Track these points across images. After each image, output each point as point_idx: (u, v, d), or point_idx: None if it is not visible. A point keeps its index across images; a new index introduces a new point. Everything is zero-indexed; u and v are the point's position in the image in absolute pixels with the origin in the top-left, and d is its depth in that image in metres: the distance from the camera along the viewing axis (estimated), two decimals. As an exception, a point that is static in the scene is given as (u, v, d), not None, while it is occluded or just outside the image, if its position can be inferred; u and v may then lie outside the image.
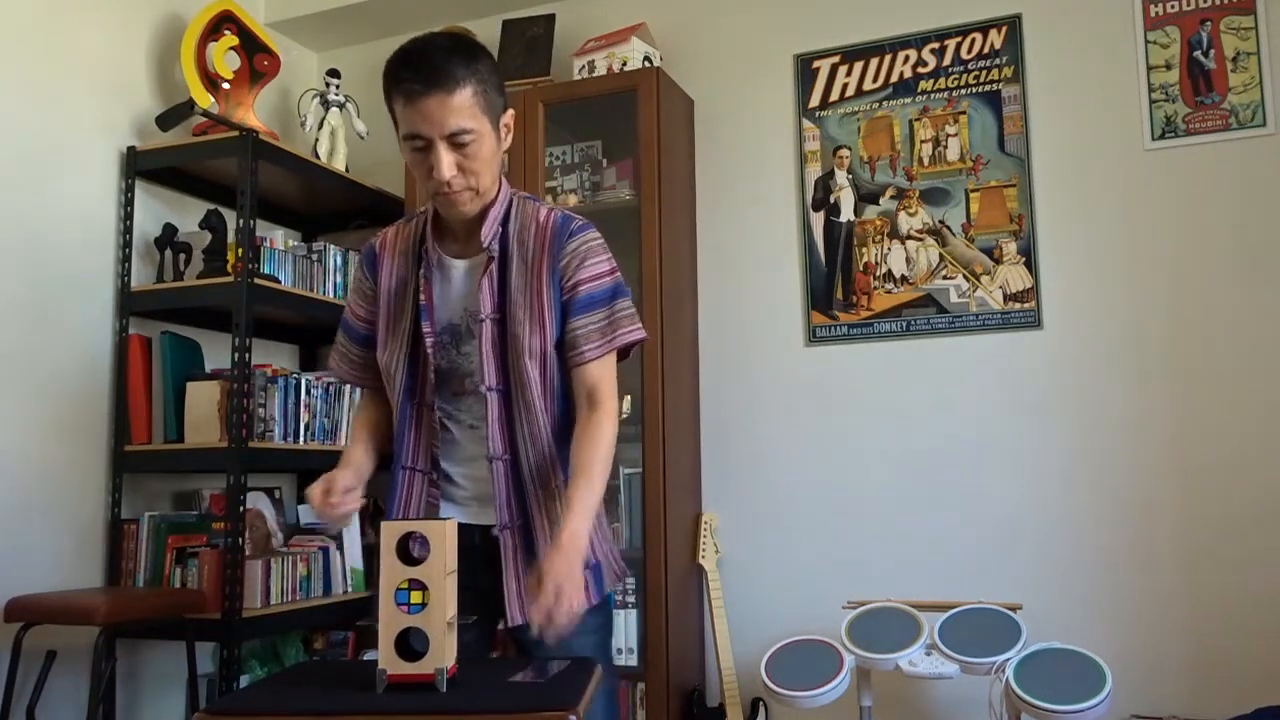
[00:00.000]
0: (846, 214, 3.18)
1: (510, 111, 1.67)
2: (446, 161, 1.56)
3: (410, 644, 1.30)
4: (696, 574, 3.13)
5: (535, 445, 1.65)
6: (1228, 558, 2.71)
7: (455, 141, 1.56)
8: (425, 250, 1.69)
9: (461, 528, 1.65)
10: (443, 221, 1.70)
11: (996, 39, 3.06)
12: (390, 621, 1.28)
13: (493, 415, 1.65)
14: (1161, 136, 2.87)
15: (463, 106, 1.54)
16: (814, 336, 3.17)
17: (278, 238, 3.19)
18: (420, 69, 1.53)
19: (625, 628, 2.94)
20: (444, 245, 1.71)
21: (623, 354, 1.71)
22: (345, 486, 1.61)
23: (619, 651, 2.93)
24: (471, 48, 1.57)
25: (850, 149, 3.19)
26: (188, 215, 3.27)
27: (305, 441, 3.15)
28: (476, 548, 1.67)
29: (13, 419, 2.76)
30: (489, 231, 1.65)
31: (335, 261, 3.35)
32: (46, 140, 2.91)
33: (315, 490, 1.59)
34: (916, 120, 3.12)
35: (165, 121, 3.08)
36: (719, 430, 3.23)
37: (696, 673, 3.10)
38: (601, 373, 1.65)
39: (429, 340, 1.67)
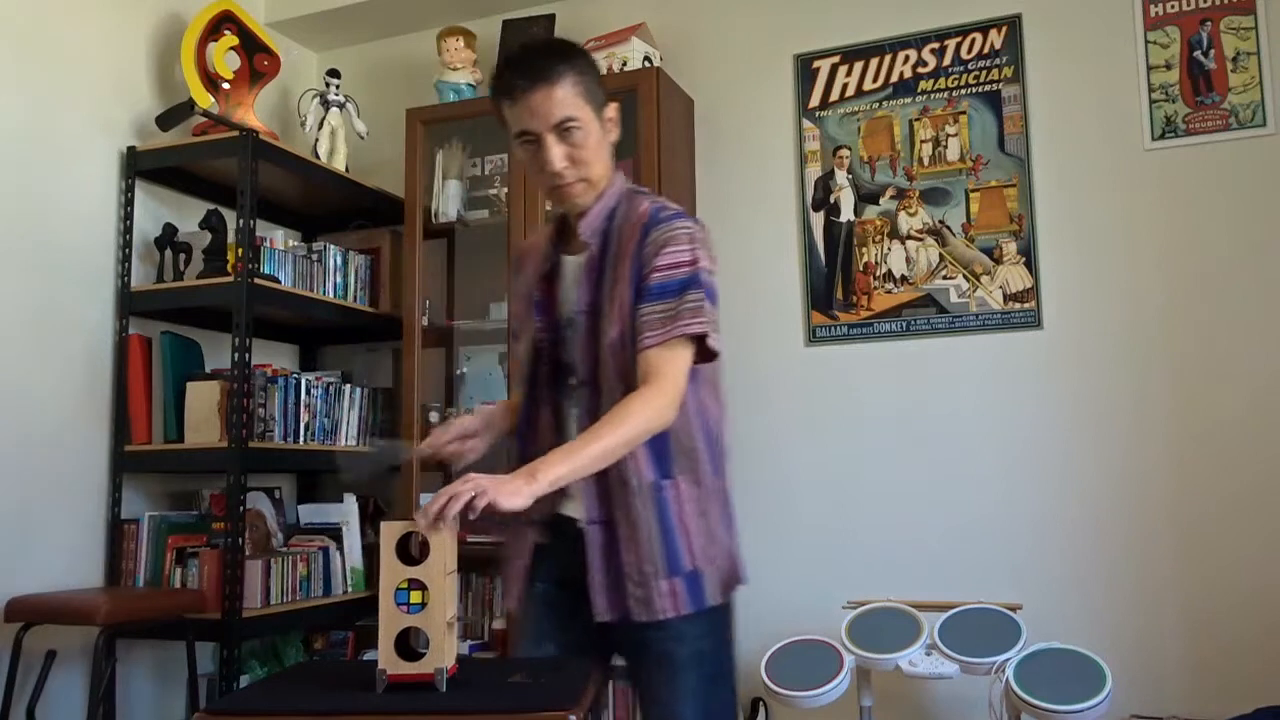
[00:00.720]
0: (846, 214, 3.18)
1: (614, 105, 1.72)
2: (557, 153, 1.62)
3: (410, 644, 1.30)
4: (696, 574, 3.13)
5: None
6: (1228, 557, 2.71)
7: (562, 131, 1.61)
8: (548, 250, 1.76)
9: (564, 519, 1.69)
10: (566, 220, 1.75)
11: (996, 39, 3.06)
12: (390, 621, 1.28)
13: (583, 408, 1.67)
14: (1161, 136, 2.87)
15: (565, 97, 1.60)
16: (814, 336, 3.17)
17: (278, 238, 3.19)
18: (522, 68, 1.61)
19: (625, 628, 2.93)
20: (564, 244, 1.75)
21: (708, 356, 1.63)
22: (462, 431, 1.73)
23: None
24: (567, 45, 1.67)
25: (850, 149, 3.19)
26: (188, 215, 3.27)
27: (305, 441, 3.15)
28: (572, 540, 1.67)
29: (13, 419, 2.76)
30: (588, 226, 1.68)
31: (335, 261, 3.35)
32: (46, 140, 2.91)
33: (435, 432, 1.71)
34: (916, 120, 3.12)
35: (165, 121, 3.08)
36: (719, 430, 3.23)
37: (696, 673, 3.09)
38: (657, 360, 1.58)
39: (539, 335, 1.72)
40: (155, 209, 3.21)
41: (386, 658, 1.28)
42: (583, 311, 1.67)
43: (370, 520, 3.46)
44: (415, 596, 1.30)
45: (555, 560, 1.71)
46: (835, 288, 3.16)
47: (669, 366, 1.58)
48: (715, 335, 1.62)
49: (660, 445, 1.63)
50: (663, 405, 1.55)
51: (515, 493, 1.41)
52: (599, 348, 1.64)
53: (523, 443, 1.74)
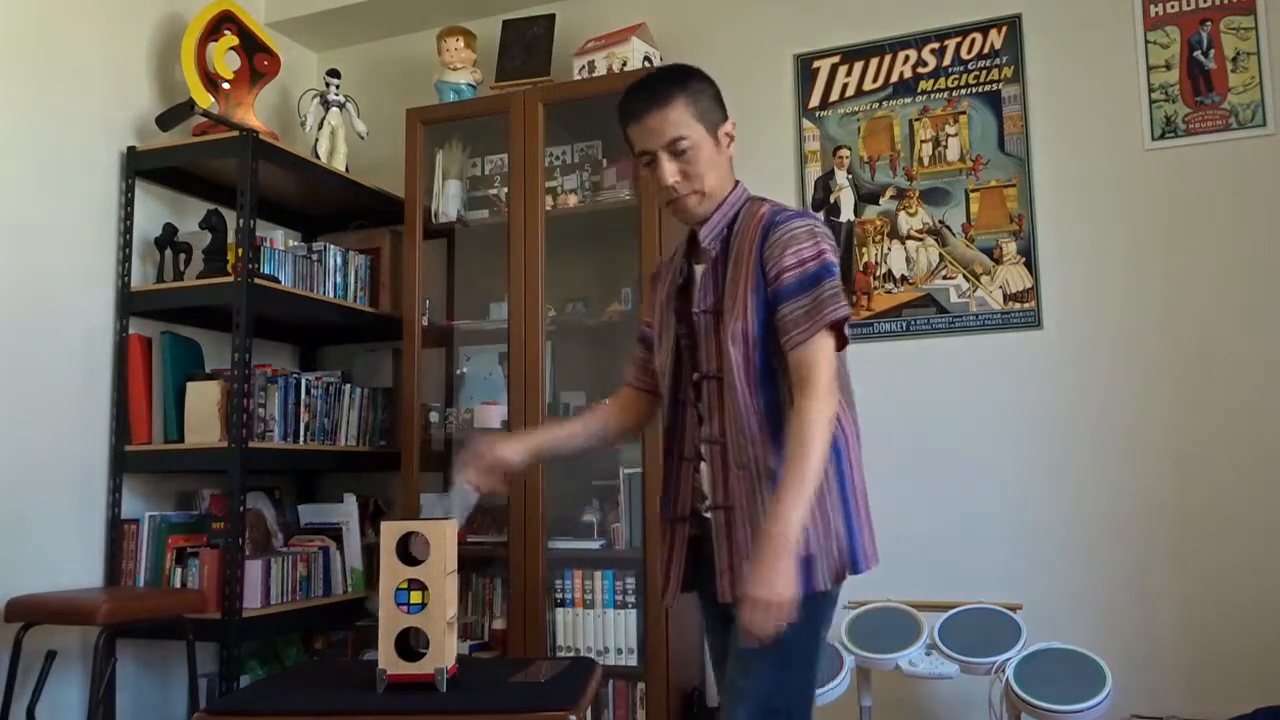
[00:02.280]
0: (846, 214, 3.18)
1: (731, 121, 1.84)
2: (669, 169, 1.76)
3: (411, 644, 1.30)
4: (696, 574, 3.13)
5: (739, 429, 1.71)
6: (1228, 558, 2.71)
7: (674, 149, 1.75)
8: (682, 261, 1.88)
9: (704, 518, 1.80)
10: (694, 233, 1.85)
11: (996, 39, 3.06)
12: (390, 621, 1.28)
13: (709, 402, 1.76)
14: (1161, 136, 2.87)
15: (677, 118, 1.74)
16: (814, 336, 3.16)
17: (278, 238, 3.19)
18: (639, 94, 1.77)
19: (625, 628, 2.94)
20: (695, 255, 1.86)
21: (841, 340, 1.71)
22: (494, 462, 1.83)
23: (619, 651, 2.94)
24: (683, 70, 1.80)
25: (850, 149, 3.19)
26: (188, 215, 3.28)
27: (305, 441, 3.15)
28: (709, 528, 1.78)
29: (13, 419, 2.76)
30: (708, 232, 1.80)
31: (335, 261, 3.35)
32: (46, 140, 2.91)
33: (468, 458, 1.83)
34: (916, 120, 3.12)
35: (165, 121, 3.08)
36: (719, 430, 3.23)
37: (696, 673, 3.10)
38: (808, 356, 1.66)
39: (681, 339, 1.84)
40: (155, 209, 3.21)
41: (386, 658, 1.28)
42: (706, 311, 1.78)
43: (370, 520, 3.46)
44: (415, 596, 1.30)
45: (706, 550, 1.79)
46: (835, 288, 3.15)
47: (818, 364, 1.65)
48: (848, 322, 1.71)
49: (778, 433, 1.70)
50: (820, 404, 1.63)
51: (789, 579, 1.54)
52: (720, 342, 1.74)
53: (669, 438, 1.86)
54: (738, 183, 1.86)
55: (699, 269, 1.83)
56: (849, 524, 1.73)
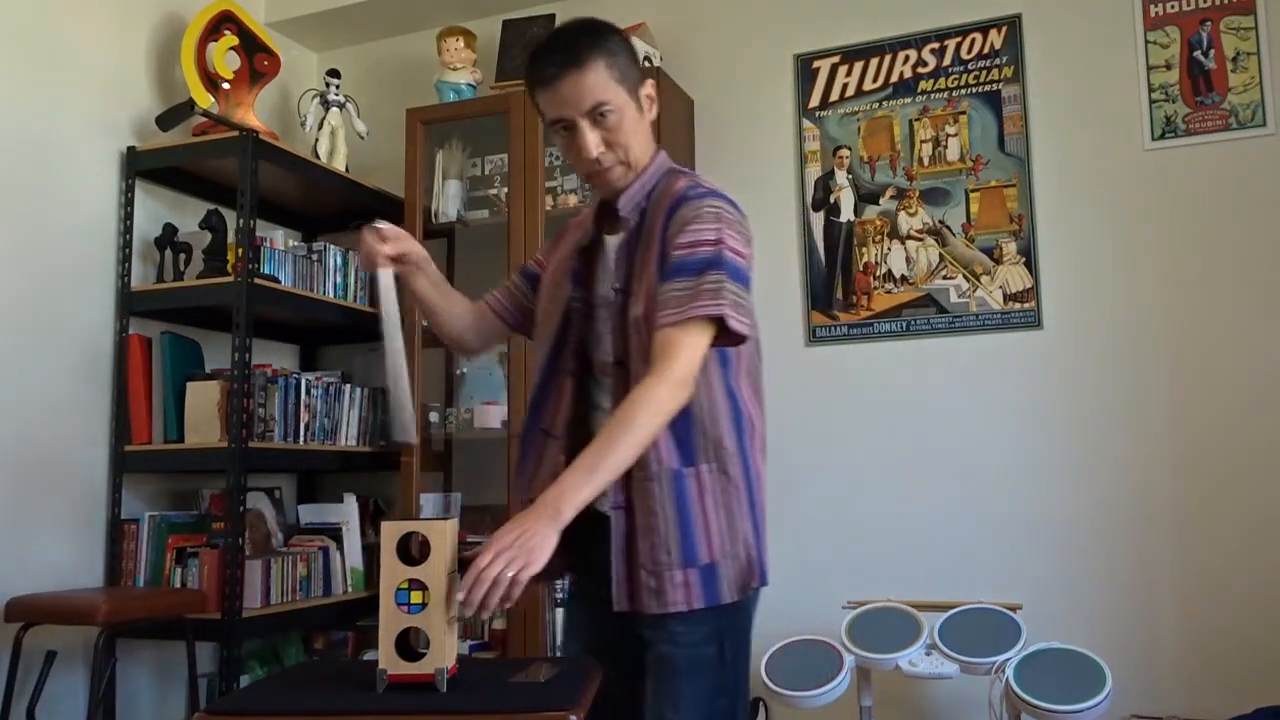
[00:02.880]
0: (846, 214, 3.18)
1: (650, 82, 1.67)
2: (592, 140, 1.59)
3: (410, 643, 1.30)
4: (696, 574, 3.13)
5: None
6: (1228, 557, 2.71)
7: (596, 116, 1.58)
8: (587, 227, 1.73)
9: (596, 516, 1.58)
10: (605, 201, 1.71)
11: (996, 39, 3.06)
12: (390, 621, 1.28)
13: (614, 386, 1.62)
14: (1161, 136, 2.87)
15: (596, 81, 1.56)
16: (814, 336, 3.17)
17: (278, 238, 3.19)
18: (550, 54, 1.58)
19: (625, 628, 2.93)
20: (604, 223, 1.72)
21: (735, 339, 1.55)
22: (389, 235, 1.68)
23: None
24: (597, 26, 1.61)
25: (850, 149, 3.19)
26: (188, 215, 3.27)
27: (305, 441, 3.15)
28: (591, 525, 1.58)
29: (13, 418, 2.76)
30: (628, 202, 1.64)
31: (335, 261, 3.35)
32: (46, 140, 2.91)
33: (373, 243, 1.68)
34: (916, 120, 3.12)
35: (165, 121, 3.07)
36: (719, 430, 3.23)
37: (696, 673, 3.09)
38: (673, 338, 1.50)
39: (574, 304, 1.68)
40: (155, 209, 3.21)
41: (386, 658, 1.28)
42: (617, 289, 1.63)
43: (370, 520, 3.46)
44: (415, 596, 1.30)
45: (578, 547, 1.60)
46: (835, 288, 3.16)
47: (678, 348, 1.49)
48: (739, 318, 1.52)
49: (683, 431, 1.56)
50: (669, 389, 1.47)
51: (546, 542, 1.34)
52: (628, 327, 1.60)
53: (536, 410, 1.69)
54: (659, 150, 1.70)
55: (610, 240, 1.69)
56: (757, 531, 1.62)
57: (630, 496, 1.56)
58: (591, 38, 1.58)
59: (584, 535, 1.55)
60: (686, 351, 1.50)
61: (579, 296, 1.69)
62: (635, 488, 1.56)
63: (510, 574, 1.30)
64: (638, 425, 1.44)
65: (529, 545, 1.33)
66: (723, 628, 1.58)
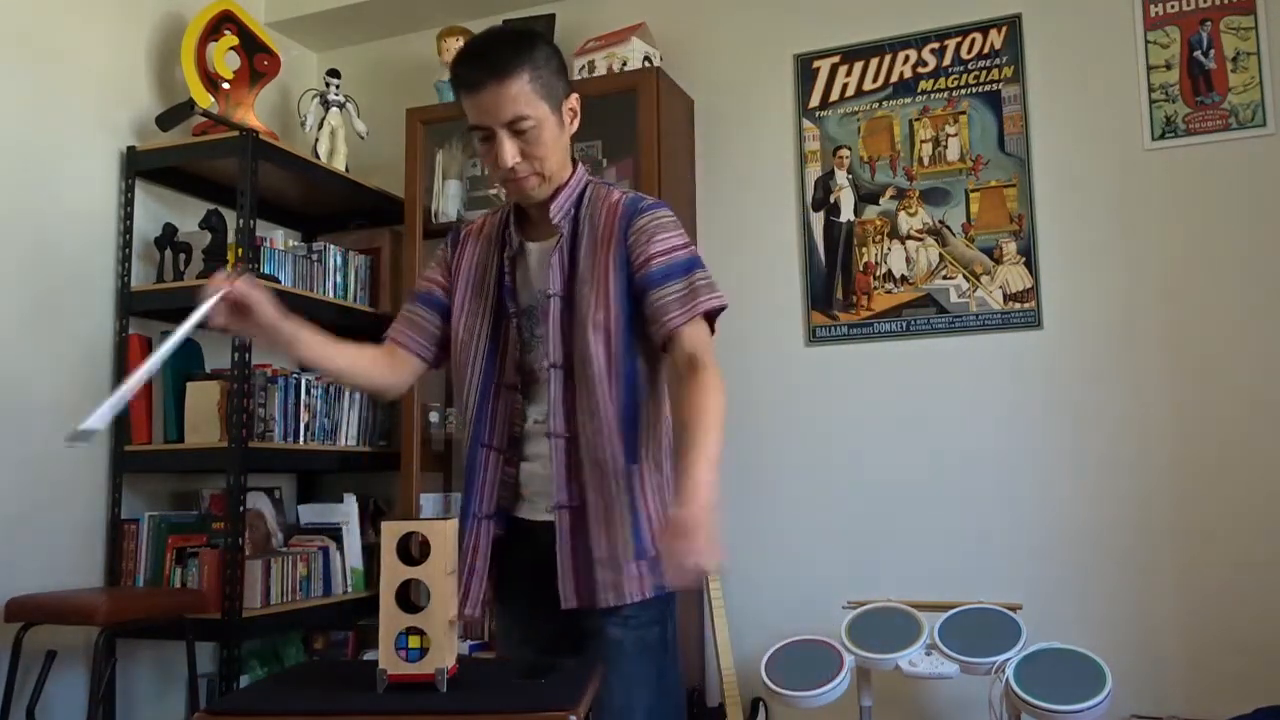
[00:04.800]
0: (846, 214, 3.18)
1: (574, 96, 1.70)
2: (509, 149, 1.61)
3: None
4: (696, 574, 3.13)
5: (595, 425, 1.63)
6: (1227, 557, 2.71)
7: (515, 129, 1.60)
8: (507, 235, 1.74)
9: (532, 526, 1.68)
10: (524, 208, 1.74)
11: (996, 39, 3.06)
12: (390, 621, 1.28)
13: (555, 393, 1.65)
14: (1161, 136, 2.87)
15: (519, 95, 1.58)
16: (814, 336, 3.17)
17: (278, 238, 3.19)
18: (475, 62, 1.60)
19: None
20: (524, 231, 1.75)
21: (710, 329, 1.68)
22: (248, 288, 1.56)
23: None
24: (526, 37, 1.63)
25: (850, 149, 3.19)
26: (188, 215, 3.27)
27: (305, 441, 3.15)
28: (528, 533, 1.69)
29: (13, 418, 2.76)
30: (558, 210, 1.69)
31: (335, 261, 3.35)
32: (46, 140, 2.91)
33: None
34: (916, 120, 3.12)
35: (165, 121, 3.07)
36: (719, 430, 3.23)
37: (696, 672, 3.10)
38: (696, 337, 1.62)
39: (515, 318, 1.71)
40: (155, 209, 3.21)
41: (386, 658, 1.28)
42: (555, 294, 1.66)
43: (370, 520, 3.46)
44: (414, 641, 1.30)
45: (515, 555, 1.71)
46: (835, 288, 3.16)
47: (701, 342, 1.62)
48: (720, 314, 1.67)
49: (633, 429, 1.65)
50: (719, 379, 1.59)
51: (712, 527, 1.38)
52: (574, 331, 1.64)
53: (479, 426, 1.71)
54: (576, 163, 1.74)
55: (534, 246, 1.72)
56: None
57: (583, 494, 1.63)
58: (517, 49, 1.59)
59: (520, 543, 1.68)
60: (708, 342, 1.64)
61: (514, 311, 1.71)
62: (590, 485, 1.63)
63: (703, 554, 1.34)
64: (721, 414, 1.55)
65: (705, 542, 1.36)
66: (665, 613, 1.68)
